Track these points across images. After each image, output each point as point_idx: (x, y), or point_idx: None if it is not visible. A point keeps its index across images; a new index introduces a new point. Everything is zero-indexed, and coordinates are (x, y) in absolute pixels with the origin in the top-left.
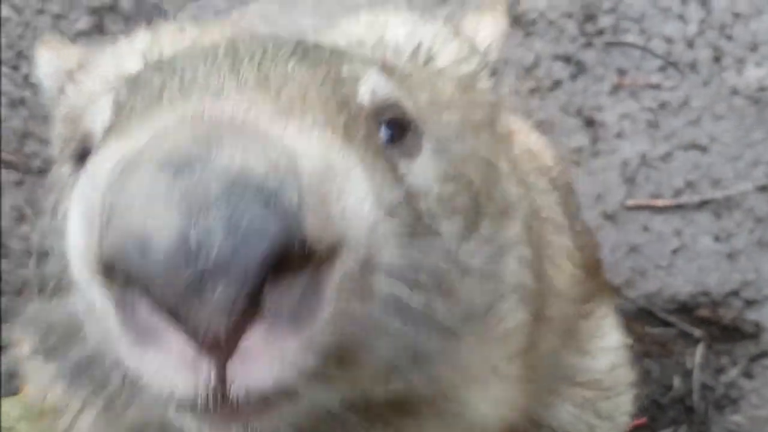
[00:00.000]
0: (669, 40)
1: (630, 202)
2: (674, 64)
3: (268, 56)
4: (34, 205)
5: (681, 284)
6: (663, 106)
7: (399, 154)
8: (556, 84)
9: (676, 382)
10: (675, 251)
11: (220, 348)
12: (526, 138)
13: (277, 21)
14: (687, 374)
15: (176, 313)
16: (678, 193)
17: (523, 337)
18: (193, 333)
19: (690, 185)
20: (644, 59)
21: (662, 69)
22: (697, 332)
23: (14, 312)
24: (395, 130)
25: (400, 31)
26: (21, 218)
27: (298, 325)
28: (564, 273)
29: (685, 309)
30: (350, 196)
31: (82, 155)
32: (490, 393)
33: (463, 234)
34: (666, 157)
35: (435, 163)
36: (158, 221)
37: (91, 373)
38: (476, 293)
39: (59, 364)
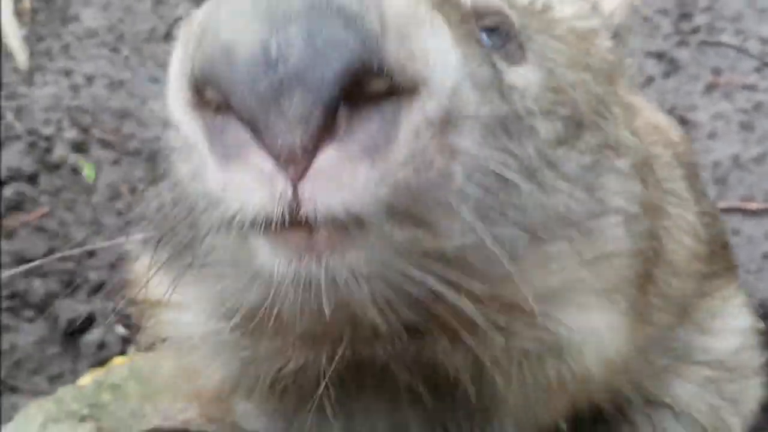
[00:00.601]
0: (765, 41)
1: (721, 204)
2: None
3: None
4: (130, 183)
5: (767, 289)
6: (757, 107)
7: (499, 56)
8: (648, 81)
9: None
10: (766, 256)
11: (296, 162)
12: (652, 115)
13: None
14: None
15: (256, 122)
16: None
17: (629, 269)
18: (270, 145)
19: None
20: (739, 59)
21: (758, 70)
22: None
23: (110, 284)
24: (497, 38)
25: None
26: (116, 196)
27: (373, 155)
28: (684, 248)
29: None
30: (434, 43)
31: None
32: (590, 320)
33: (561, 139)
34: (759, 159)
35: (538, 75)
36: (242, 32)
37: (174, 211)
38: (571, 199)
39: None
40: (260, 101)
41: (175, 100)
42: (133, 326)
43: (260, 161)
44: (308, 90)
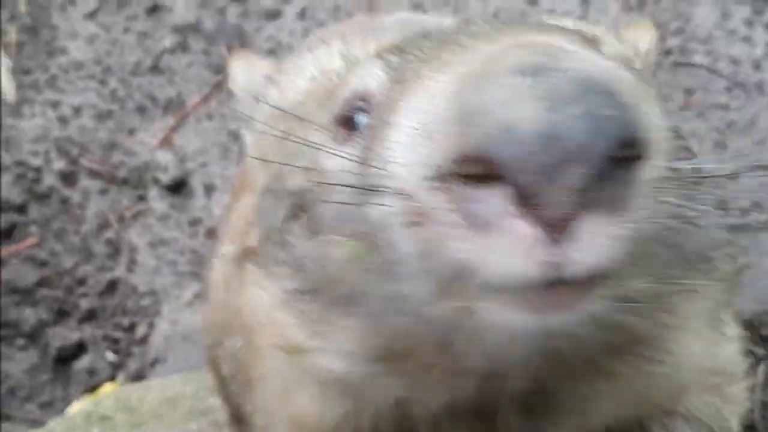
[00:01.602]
0: (735, 62)
1: None
2: (741, 85)
3: (513, 23)
4: (117, 212)
5: (746, 303)
6: (730, 125)
7: None
8: None
9: None
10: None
11: (562, 229)
12: None
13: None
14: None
15: (530, 195)
16: (744, 212)
17: (723, 292)
18: (543, 214)
19: (757, 205)
20: (711, 80)
21: (729, 89)
22: (761, 351)
23: (99, 311)
24: None
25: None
26: (104, 224)
27: (620, 215)
28: None
29: (750, 327)
30: (653, 108)
31: (348, 116)
32: (698, 340)
33: (697, 176)
34: (732, 177)
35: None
36: (525, 113)
37: (386, 288)
38: (709, 234)
39: (334, 298)
40: (540, 175)
41: (413, 170)
42: (121, 352)
43: (525, 229)
44: (586, 164)
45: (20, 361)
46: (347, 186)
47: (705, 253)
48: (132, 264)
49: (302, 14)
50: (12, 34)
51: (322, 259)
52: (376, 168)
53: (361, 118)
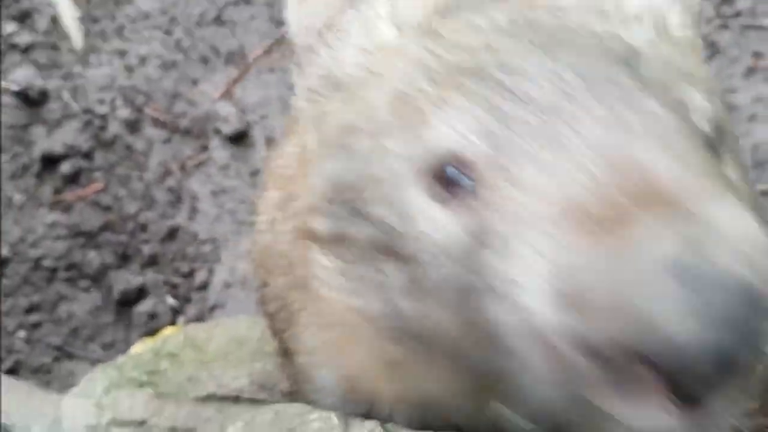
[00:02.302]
0: None
1: (761, 187)
2: None
3: (621, 85)
4: (179, 161)
5: None
6: None
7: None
8: None
9: None
10: None
11: (696, 406)
12: None
13: None
14: None
15: (683, 387)
16: None
17: None
18: (680, 394)
19: None
20: None
21: None
22: None
23: (161, 256)
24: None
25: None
26: (167, 172)
27: (742, 395)
28: None
29: None
30: None
31: (448, 176)
32: None
33: None
34: None
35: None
36: (686, 328)
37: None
38: None
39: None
40: (693, 380)
41: (545, 311)
42: (181, 297)
43: (664, 401)
44: (737, 377)
45: (84, 302)
46: (454, 259)
47: None
48: (193, 212)
49: None
50: None
51: (421, 312)
52: (494, 267)
53: (467, 182)
